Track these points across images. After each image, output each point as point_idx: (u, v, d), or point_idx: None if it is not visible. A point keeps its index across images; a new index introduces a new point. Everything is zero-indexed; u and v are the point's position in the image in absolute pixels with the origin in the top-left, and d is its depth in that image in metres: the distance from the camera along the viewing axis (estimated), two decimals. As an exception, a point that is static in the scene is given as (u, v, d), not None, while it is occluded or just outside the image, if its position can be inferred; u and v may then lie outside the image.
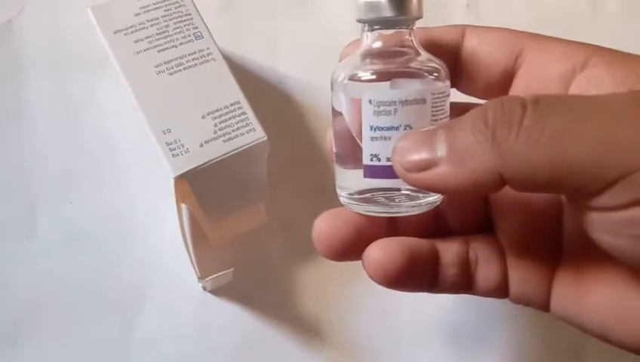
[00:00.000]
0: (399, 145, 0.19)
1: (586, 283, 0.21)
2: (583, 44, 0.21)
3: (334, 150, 0.22)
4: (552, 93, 0.20)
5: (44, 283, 0.30)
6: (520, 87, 0.22)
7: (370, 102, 0.20)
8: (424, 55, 0.21)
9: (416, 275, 0.22)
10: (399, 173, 0.19)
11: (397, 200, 0.21)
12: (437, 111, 0.20)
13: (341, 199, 0.22)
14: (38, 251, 0.30)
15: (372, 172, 0.20)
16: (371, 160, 0.20)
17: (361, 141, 0.20)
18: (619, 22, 0.37)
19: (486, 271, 0.22)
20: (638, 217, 0.16)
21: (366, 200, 0.21)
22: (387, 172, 0.20)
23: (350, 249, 0.22)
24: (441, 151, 0.17)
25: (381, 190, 0.21)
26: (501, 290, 0.23)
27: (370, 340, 0.31)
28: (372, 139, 0.20)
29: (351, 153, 0.21)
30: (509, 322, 0.32)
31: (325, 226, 0.22)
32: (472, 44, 0.22)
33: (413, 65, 0.21)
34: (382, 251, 0.21)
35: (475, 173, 0.17)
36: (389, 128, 0.20)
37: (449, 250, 0.22)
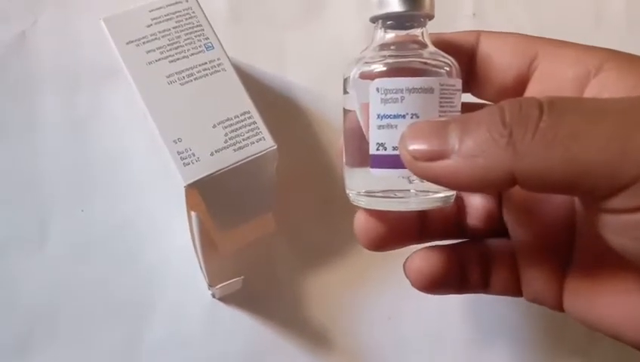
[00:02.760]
0: (408, 132, 0.18)
1: (597, 287, 0.21)
2: (597, 48, 0.21)
3: (344, 151, 0.22)
4: (567, 96, 0.20)
5: (56, 291, 0.30)
6: (534, 92, 0.22)
7: (377, 90, 0.20)
8: (435, 51, 0.21)
9: (450, 281, 0.24)
10: (406, 161, 0.18)
11: (405, 196, 0.21)
12: (446, 102, 0.20)
13: (350, 197, 0.22)
14: (50, 260, 0.30)
15: (378, 161, 0.20)
16: (377, 149, 0.20)
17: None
18: (622, 31, 0.37)
19: (500, 273, 0.24)
20: None
21: (374, 196, 0.21)
22: (393, 161, 0.20)
23: (386, 241, 0.24)
24: (453, 143, 0.17)
25: (390, 191, 0.21)
26: (515, 290, 0.24)
27: (377, 348, 0.31)
28: (379, 127, 0.20)
29: (359, 151, 0.21)
30: (516, 331, 0.32)
31: (364, 220, 0.23)
32: (487, 49, 0.22)
33: (424, 58, 0.21)
34: (423, 261, 0.24)
35: (486, 169, 0.17)
36: (395, 116, 0.20)
37: (471, 255, 0.24)
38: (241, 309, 0.31)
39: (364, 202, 0.22)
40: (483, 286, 0.24)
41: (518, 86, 0.22)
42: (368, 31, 0.23)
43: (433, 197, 0.21)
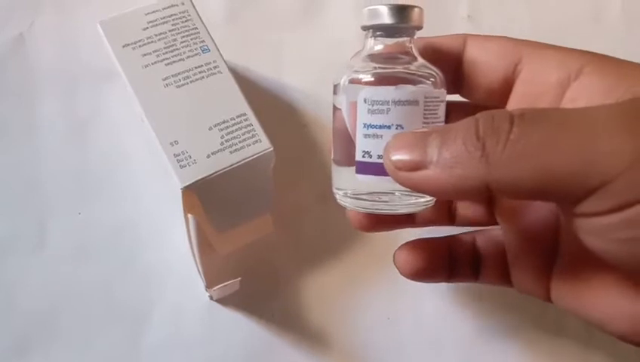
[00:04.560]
0: (392, 143, 0.19)
1: (580, 284, 0.22)
2: (580, 51, 0.21)
3: (332, 148, 0.23)
4: (537, 107, 0.21)
5: (55, 293, 0.30)
6: (519, 94, 0.23)
7: (365, 100, 0.21)
8: (422, 62, 0.22)
9: (436, 270, 0.26)
10: (389, 170, 0.19)
11: (389, 199, 0.22)
12: (429, 114, 0.21)
13: (337, 197, 0.23)
14: (48, 262, 0.30)
15: (363, 168, 0.21)
16: (363, 156, 0.21)
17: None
18: (620, 32, 0.37)
19: (490, 266, 0.25)
20: (618, 222, 0.17)
21: (359, 198, 0.22)
22: (377, 169, 0.21)
23: (377, 226, 0.25)
24: (431, 154, 0.18)
25: (375, 194, 0.22)
26: (506, 282, 0.25)
27: (375, 349, 0.31)
28: (365, 136, 0.21)
29: (347, 151, 0.22)
30: (514, 332, 0.32)
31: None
32: (474, 53, 0.23)
33: (410, 70, 0.21)
34: (410, 252, 0.25)
35: (461, 179, 0.18)
36: (381, 126, 0.20)
37: (462, 248, 0.26)
38: (238, 310, 0.31)
39: (349, 203, 0.22)
40: (473, 277, 0.26)
41: (505, 88, 0.23)
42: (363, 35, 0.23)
43: (417, 201, 0.22)
